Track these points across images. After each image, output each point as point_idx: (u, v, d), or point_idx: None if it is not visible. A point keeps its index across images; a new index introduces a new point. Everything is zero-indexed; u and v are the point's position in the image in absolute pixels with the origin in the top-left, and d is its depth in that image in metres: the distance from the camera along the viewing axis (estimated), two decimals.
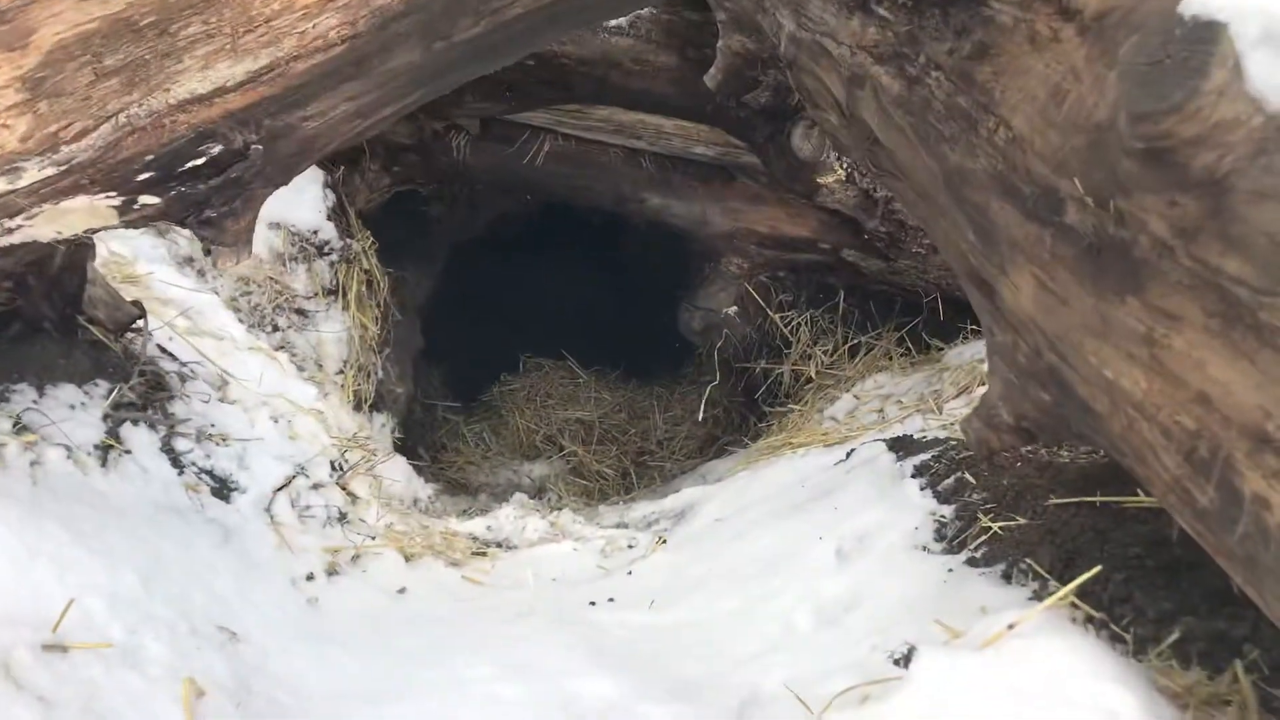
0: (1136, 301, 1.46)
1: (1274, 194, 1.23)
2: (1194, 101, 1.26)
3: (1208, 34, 1.25)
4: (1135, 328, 1.46)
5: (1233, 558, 1.35)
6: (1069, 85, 1.67)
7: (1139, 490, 2.26)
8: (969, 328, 4.92)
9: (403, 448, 5.05)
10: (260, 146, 1.98)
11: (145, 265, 3.73)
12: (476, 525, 3.93)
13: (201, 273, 4.04)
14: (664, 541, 3.44)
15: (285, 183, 2.19)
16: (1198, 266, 1.33)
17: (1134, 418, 1.50)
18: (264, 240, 4.45)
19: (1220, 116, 1.27)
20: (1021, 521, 2.39)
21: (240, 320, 3.96)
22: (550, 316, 7.21)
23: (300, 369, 4.15)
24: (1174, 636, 1.85)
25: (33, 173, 1.90)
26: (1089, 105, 1.60)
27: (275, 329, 4.29)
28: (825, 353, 5.41)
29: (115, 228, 2.18)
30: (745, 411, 6.06)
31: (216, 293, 4.00)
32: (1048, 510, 2.40)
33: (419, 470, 4.91)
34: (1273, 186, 1.24)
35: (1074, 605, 1.95)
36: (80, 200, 2.02)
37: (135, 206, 2.08)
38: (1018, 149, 1.76)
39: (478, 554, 3.54)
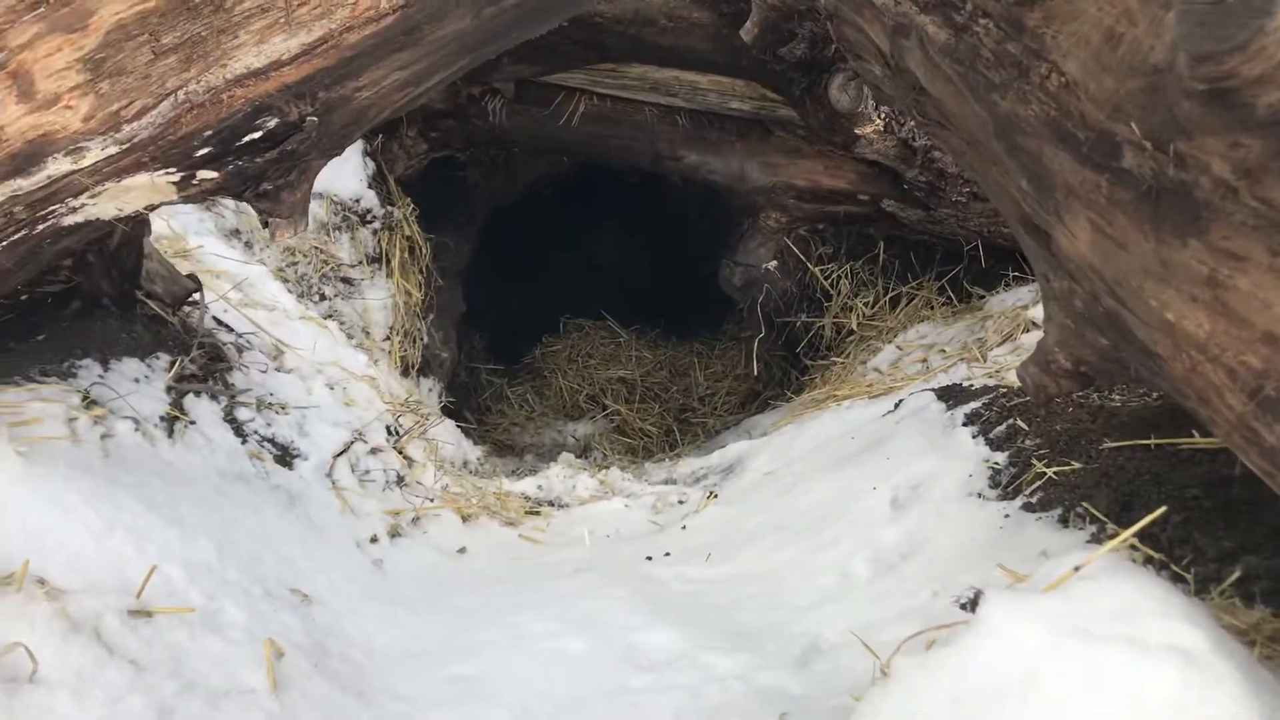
0: (1199, 243, 1.46)
1: None
2: (1259, 40, 1.25)
3: None
4: (1198, 270, 1.47)
5: None
6: (1123, 28, 1.66)
7: (1194, 432, 2.27)
8: (1011, 274, 4.90)
9: (450, 411, 5.11)
10: (315, 118, 2.01)
11: (194, 239, 3.78)
12: (528, 485, 3.99)
13: (249, 244, 4.09)
14: (715, 496, 3.48)
15: (339, 153, 2.22)
16: (1263, 206, 1.33)
17: (1197, 360, 1.51)
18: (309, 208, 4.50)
19: None
20: (1076, 466, 2.40)
21: (290, 290, 4.02)
22: (589, 277, 7.24)
23: (349, 336, 4.21)
24: (1236, 575, 1.87)
25: (96, 152, 1.94)
26: (1145, 48, 1.59)
27: (322, 298, 4.35)
28: (866, 304, 5.40)
29: (174, 203, 2.22)
30: (787, 365, 6.07)
31: (264, 264, 4.06)
32: (1102, 454, 2.41)
33: (466, 433, 4.98)
34: None
35: (1133, 547, 1.97)
36: (141, 177, 2.06)
37: (194, 181, 2.12)
38: (1071, 94, 1.75)
39: (531, 513, 3.60)
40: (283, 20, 1.85)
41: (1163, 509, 1.75)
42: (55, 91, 1.83)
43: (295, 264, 4.30)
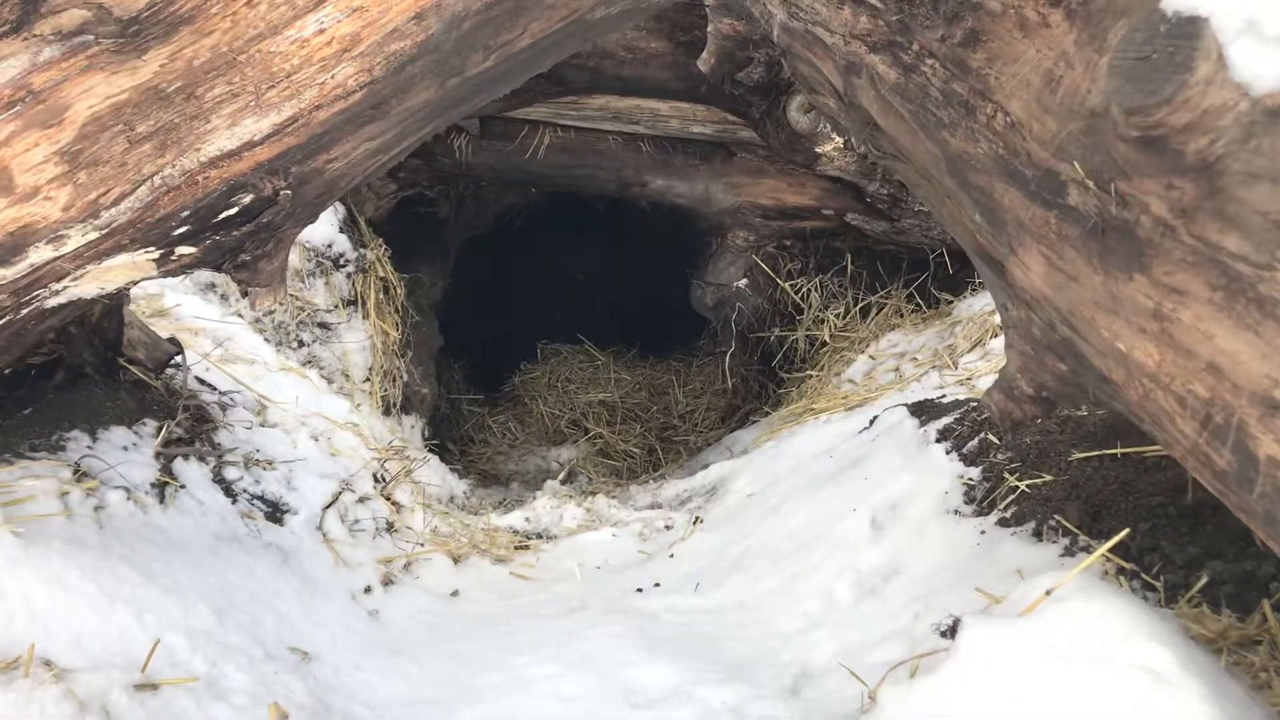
0: (1143, 278, 1.53)
1: (1265, 175, 1.31)
2: (1183, 93, 1.33)
3: (1191, 29, 1.32)
4: (1144, 303, 1.54)
5: (1253, 515, 1.43)
6: (1061, 71, 1.74)
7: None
8: (976, 279, 4.99)
9: (433, 446, 5.16)
10: (289, 191, 2.06)
11: (171, 296, 3.82)
12: (515, 518, 4.04)
13: (225, 297, 4.13)
14: (700, 521, 3.54)
15: (314, 220, 2.27)
16: (1199, 244, 1.41)
17: (1149, 387, 1.58)
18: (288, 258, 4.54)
19: (1209, 104, 1.34)
20: (1048, 478, 2.48)
21: (267, 340, 4.06)
22: (564, 303, 7.30)
23: (329, 381, 4.26)
24: (1203, 581, 1.95)
25: (76, 239, 1.99)
26: (1082, 91, 1.67)
27: (301, 344, 4.39)
28: (837, 316, 5.49)
29: (154, 278, 2.26)
30: (764, 379, 6.15)
31: (241, 315, 4.09)
32: (1072, 465, 2.49)
33: (450, 465, 5.03)
34: (1263, 167, 1.31)
35: (1105, 558, 2.05)
36: (121, 258, 2.10)
37: (173, 257, 2.17)
38: (1017, 134, 1.83)
39: (520, 547, 3.65)
40: (253, 103, 1.90)
41: (1125, 532, 1.82)
42: (34, 184, 1.88)
43: (272, 312, 4.34)
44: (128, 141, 1.90)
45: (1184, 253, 1.44)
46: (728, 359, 6.00)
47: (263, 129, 1.95)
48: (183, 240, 2.11)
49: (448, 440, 6.15)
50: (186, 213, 2.04)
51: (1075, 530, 2.26)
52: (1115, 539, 1.82)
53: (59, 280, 2.08)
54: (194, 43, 1.86)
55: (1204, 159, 1.37)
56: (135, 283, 2.27)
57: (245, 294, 2.26)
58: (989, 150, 1.92)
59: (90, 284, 2.17)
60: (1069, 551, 2.22)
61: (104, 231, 2.00)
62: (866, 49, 2.31)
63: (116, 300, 2.80)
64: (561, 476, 6.00)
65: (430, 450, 4.82)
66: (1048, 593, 1.65)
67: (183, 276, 3.82)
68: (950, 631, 1.76)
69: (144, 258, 2.14)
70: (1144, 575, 2.04)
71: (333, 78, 1.92)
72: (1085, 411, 2.72)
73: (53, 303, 2.16)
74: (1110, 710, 1.35)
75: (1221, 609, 1.88)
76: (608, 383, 6.90)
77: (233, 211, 2.08)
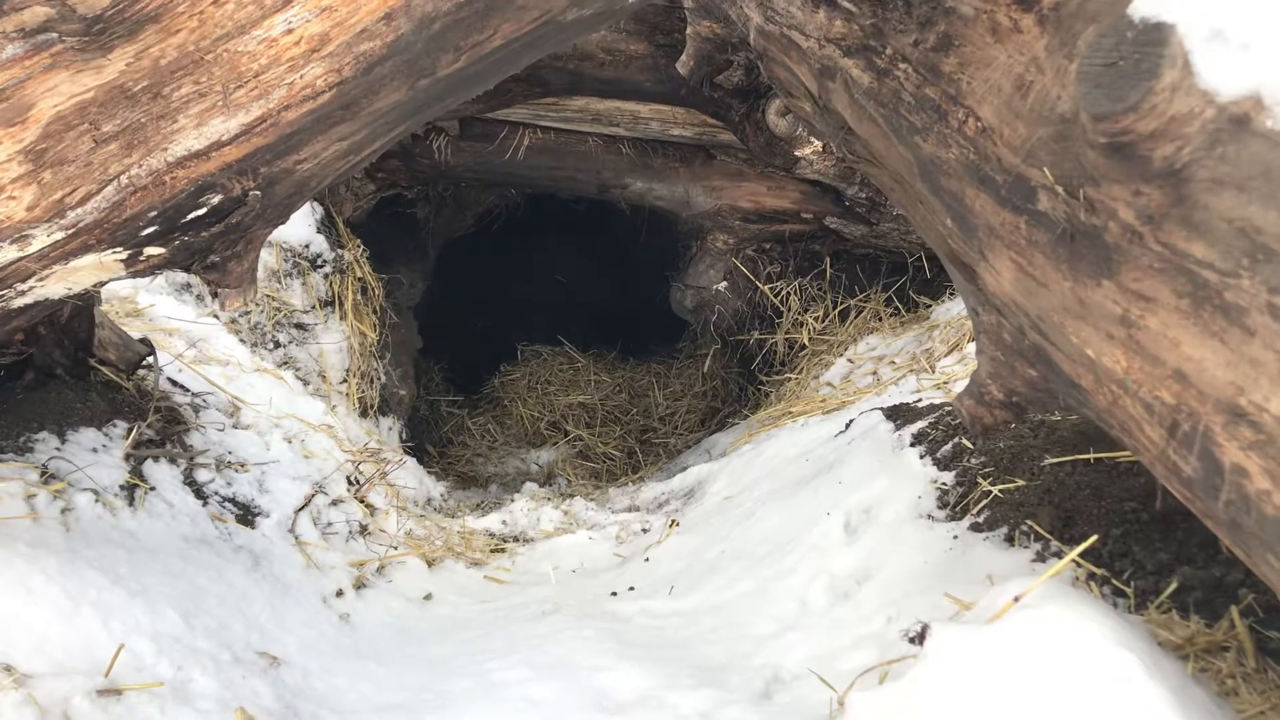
0: (1111, 284, 1.53)
1: (1230, 182, 1.31)
2: (1149, 100, 1.33)
3: (1157, 36, 1.32)
4: (1112, 309, 1.54)
5: (1219, 523, 1.43)
6: (1032, 76, 1.74)
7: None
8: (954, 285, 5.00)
9: (411, 448, 5.13)
10: (258, 192, 2.05)
11: (145, 297, 3.79)
12: (492, 521, 4.02)
13: (200, 297, 4.10)
14: (676, 524, 3.53)
15: (284, 221, 2.26)
16: (1166, 251, 1.41)
17: (1118, 394, 1.58)
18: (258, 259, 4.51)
19: (1175, 111, 1.34)
20: (1020, 483, 2.48)
21: (242, 341, 4.03)
22: (544, 305, 7.28)
23: (305, 382, 4.23)
24: (1172, 587, 1.95)
25: (41, 239, 1.96)
26: (1053, 97, 1.67)
27: (277, 345, 4.36)
28: (816, 319, 5.49)
29: (122, 278, 2.24)
30: (743, 382, 6.16)
31: (217, 316, 4.07)
32: (1044, 470, 2.49)
33: (428, 467, 5.01)
34: (1229, 175, 1.31)
35: (1076, 564, 2.05)
36: (88, 258, 2.08)
37: (141, 258, 2.15)
38: (987, 139, 1.83)
39: (496, 550, 3.64)
40: (220, 103, 1.88)
41: (1093, 539, 1.82)
42: None
43: (248, 313, 4.32)
44: (93, 141, 1.88)
45: (1151, 259, 1.44)
46: (707, 362, 6.01)
47: (231, 129, 1.93)
48: (151, 241, 2.09)
49: (426, 442, 6.12)
50: (154, 213, 2.02)
51: (1047, 535, 2.26)
52: (1083, 545, 1.82)
53: (24, 280, 2.06)
54: (160, 41, 1.84)
55: (1171, 165, 1.37)
56: (104, 283, 2.25)
57: (215, 295, 2.24)
58: (960, 155, 1.92)
59: (57, 284, 2.15)
60: (1040, 557, 2.22)
61: (70, 232, 1.98)
62: (841, 53, 2.31)
63: (86, 300, 2.77)
64: (541, 479, 6.00)
65: (408, 452, 4.80)
66: (1016, 599, 1.65)
67: (156, 277, 3.79)
68: (919, 638, 1.76)
69: (111, 258, 2.11)
70: (1115, 581, 2.04)
71: (301, 78, 1.90)
72: (1059, 417, 2.73)
73: (19, 303, 2.14)
74: (1074, 715, 1.35)
75: (1190, 615, 1.88)
76: (588, 385, 6.89)
77: (201, 212, 2.06)
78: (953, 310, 4.83)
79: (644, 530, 3.69)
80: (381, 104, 2.02)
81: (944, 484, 2.67)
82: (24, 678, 1.83)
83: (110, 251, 2.09)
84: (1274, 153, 1.28)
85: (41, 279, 2.08)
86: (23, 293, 2.10)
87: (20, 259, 1.99)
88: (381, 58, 1.93)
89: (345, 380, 4.65)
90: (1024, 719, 1.39)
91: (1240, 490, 1.34)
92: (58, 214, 1.94)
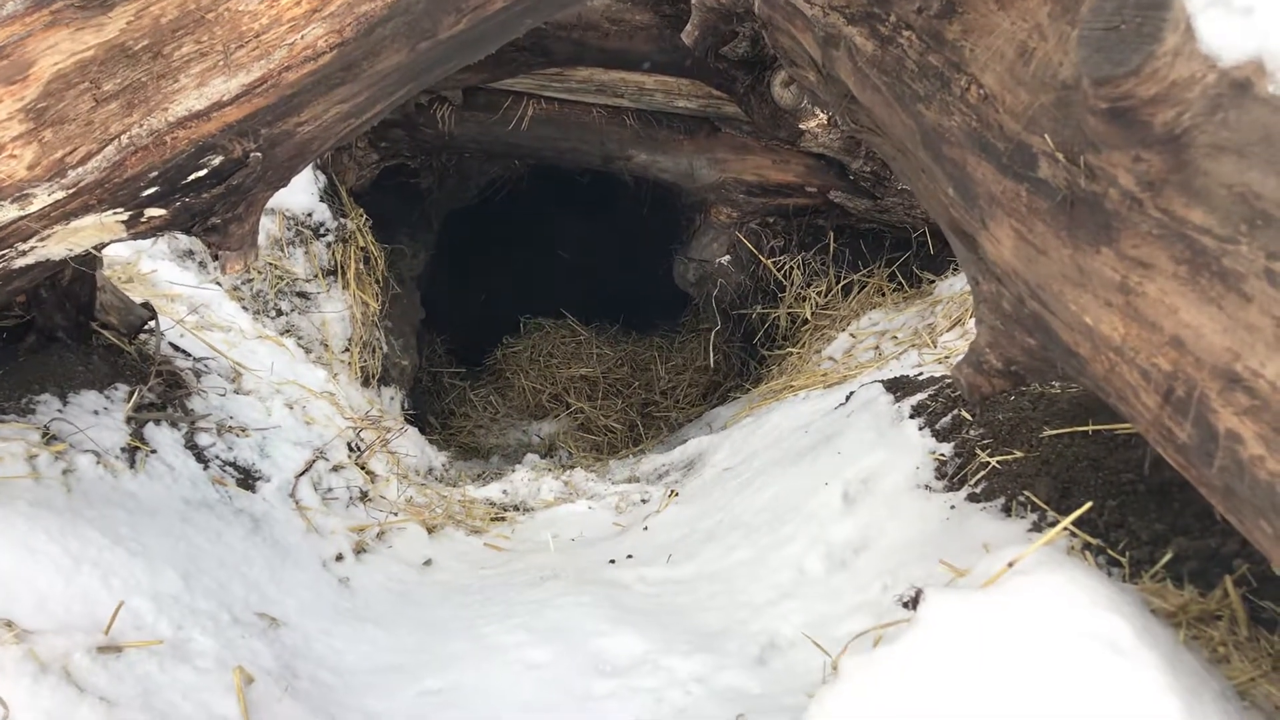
0: (1110, 251, 1.53)
1: (1230, 147, 1.31)
2: (1151, 64, 1.33)
3: None
4: (1111, 276, 1.54)
5: (1213, 489, 1.44)
6: (1035, 43, 1.73)
7: None
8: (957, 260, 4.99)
9: (412, 418, 5.15)
10: (259, 154, 2.05)
11: (148, 262, 3.79)
12: (493, 490, 4.04)
13: (203, 264, 4.11)
14: (676, 495, 3.55)
15: (285, 184, 2.26)
16: (1165, 217, 1.41)
17: (1114, 361, 1.58)
18: (261, 227, 4.51)
19: (1177, 75, 1.34)
20: (1018, 454, 2.49)
21: (244, 308, 4.04)
22: (547, 277, 7.28)
23: (307, 351, 4.24)
24: (1167, 557, 1.96)
25: (42, 198, 1.96)
26: (1054, 64, 1.66)
27: (279, 313, 4.37)
28: (819, 294, 5.49)
29: (124, 240, 2.24)
30: (745, 356, 6.16)
31: (219, 283, 4.07)
32: (1043, 442, 2.50)
33: (430, 438, 5.02)
34: (1229, 140, 1.31)
35: (1071, 534, 2.06)
36: (89, 219, 2.08)
37: (142, 219, 2.15)
38: (990, 107, 1.82)
39: (496, 519, 3.65)
40: (221, 63, 1.88)
41: (1087, 505, 1.83)
42: None
43: (250, 281, 4.32)
44: (94, 100, 1.88)
45: (1150, 226, 1.44)
46: (711, 336, 6.00)
47: (231, 89, 1.93)
48: (151, 202, 2.09)
49: (428, 413, 6.14)
50: (155, 174, 2.02)
51: (1044, 506, 2.26)
52: (1077, 512, 1.83)
53: (25, 240, 2.06)
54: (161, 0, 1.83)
55: (1171, 131, 1.37)
56: (105, 245, 2.25)
57: (215, 257, 2.24)
58: (963, 123, 1.91)
59: (58, 245, 2.15)
60: (1037, 527, 2.23)
61: (71, 191, 1.98)
62: (845, 20, 2.30)
63: (88, 264, 2.77)
64: (542, 451, 6.01)
65: (410, 423, 4.81)
66: (1010, 565, 1.66)
67: (157, 241, 3.80)
68: (912, 603, 1.77)
69: (112, 219, 2.11)
70: (1110, 551, 2.05)
71: (302, 38, 1.90)
72: (1058, 389, 2.73)
73: (20, 263, 2.14)
74: (1063, 677, 1.36)
75: (1184, 584, 1.89)
76: (590, 358, 6.90)
77: (202, 173, 2.06)
78: (956, 286, 4.82)
79: (643, 500, 3.70)
80: (383, 66, 2.01)
81: (942, 455, 2.67)
82: (25, 633, 1.84)
83: (111, 212, 2.09)
84: (1275, 118, 1.27)
85: (43, 239, 2.09)
86: (24, 253, 2.10)
87: (21, 218, 1.99)
88: (383, 19, 1.92)
89: (347, 349, 4.66)
90: (1015, 681, 1.40)
91: (1234, 456, 1.34)
92: (58, 173, 1.94)
